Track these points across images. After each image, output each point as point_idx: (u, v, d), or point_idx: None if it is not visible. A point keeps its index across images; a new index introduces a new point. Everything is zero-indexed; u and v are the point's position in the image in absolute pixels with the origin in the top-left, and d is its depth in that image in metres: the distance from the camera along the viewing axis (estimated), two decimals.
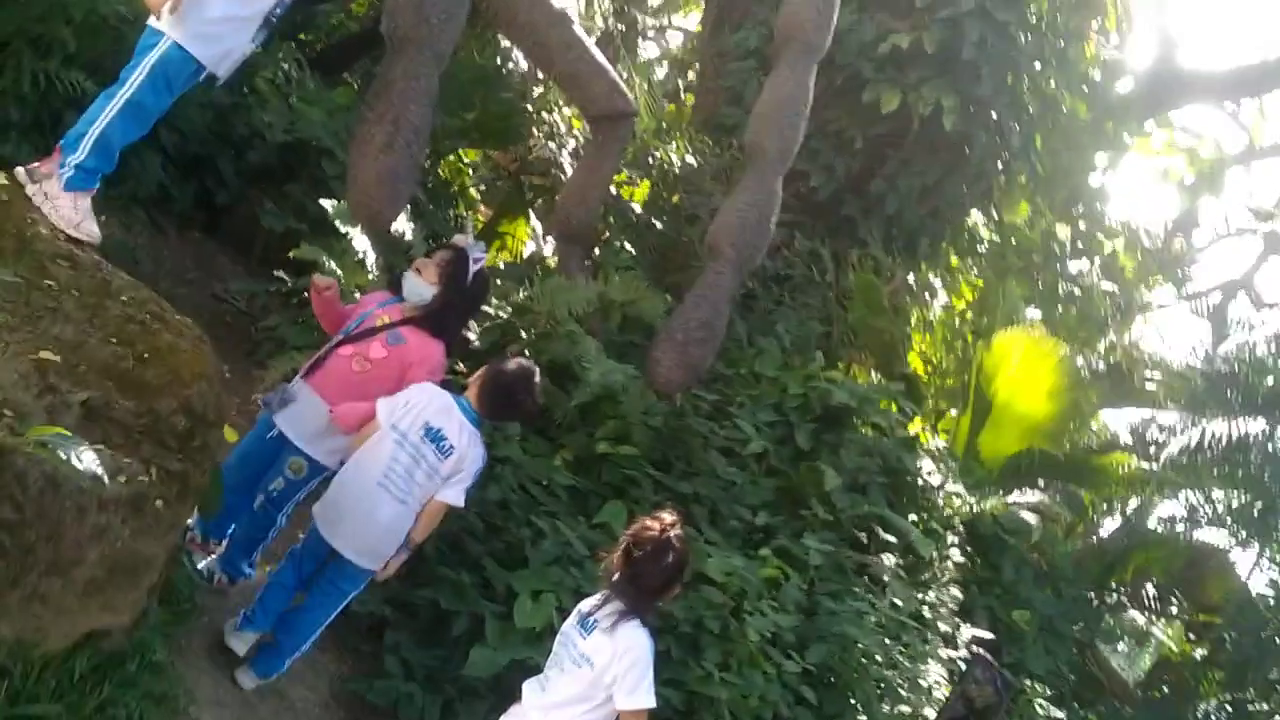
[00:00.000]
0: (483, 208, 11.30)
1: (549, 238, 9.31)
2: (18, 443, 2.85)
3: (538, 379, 4.65)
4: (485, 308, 5.92)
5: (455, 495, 4.45)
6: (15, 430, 2.89)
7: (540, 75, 9.86)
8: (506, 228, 10.86)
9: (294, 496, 4.69)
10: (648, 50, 16.29)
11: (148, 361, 3.60)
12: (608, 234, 8.93)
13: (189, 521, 4.69)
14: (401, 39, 4.85)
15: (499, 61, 10.38)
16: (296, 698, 4.68)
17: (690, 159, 9.53)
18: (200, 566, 4.74)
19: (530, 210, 10.52)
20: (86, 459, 2.92)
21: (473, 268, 4.75)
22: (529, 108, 10.28)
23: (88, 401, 3.30)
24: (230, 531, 4.79)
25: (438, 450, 4.35)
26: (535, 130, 10.51)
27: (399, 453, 4.32)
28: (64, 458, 2.83)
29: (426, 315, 4.68)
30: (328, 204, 5.99)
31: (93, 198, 4.16)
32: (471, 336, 5.94)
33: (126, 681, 3.66)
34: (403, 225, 6.25)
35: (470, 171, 11.17)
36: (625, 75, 11.37)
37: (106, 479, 2.97)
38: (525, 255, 10.26)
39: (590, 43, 7.71)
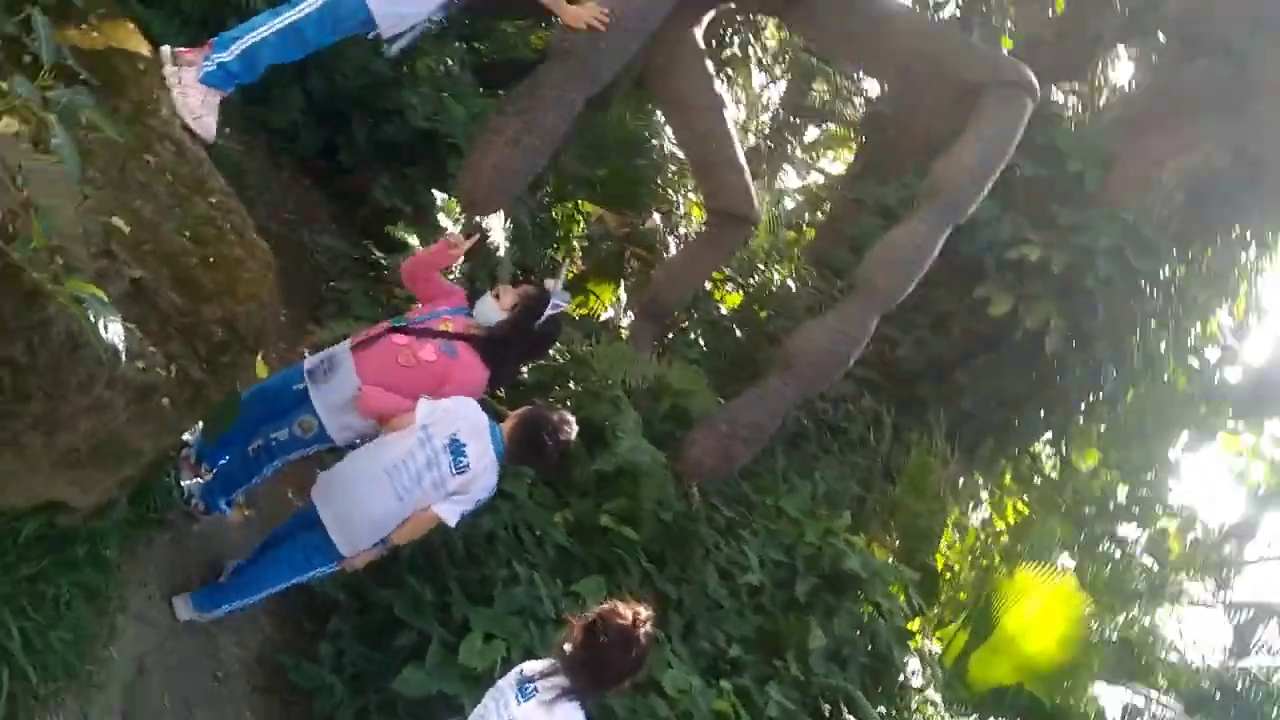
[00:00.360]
0: (580, 261, 11.37)
1: (630, 310, 9.28)
2: (55, 290, 2.80)
3: (573, 436, 4.61)
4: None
5: (450, 512, 4.38)
6: (58, 278, 2.84)
7: (680, 154, 9.93)
8: (595, 287, 10.88)
9: (289, 453, 4.62)
10: (788, 179, 16.53)
11: (211, 266, 3.56)
12: (686, 325, 8.90)
13: (188, 438, 4.66)
14: (565, 51, 4.84)
15: (646, 132, 10.50)
16: (223, 646, 4.59)
17: (791, 284, 9.51)
18: (184, 484, 4.68)
19: (623, 279, 10.56)
20: (113, 330, 2.87)
21: (549, 312, 4.72)
22: (659, 182, 10.36)
23: (139, 281, 3.27)
24: (221, 462, 4.73)
25: (454, 463, 4.30)
26: (655, 206, 10.59)
27: (418, 451, 4.28)
28: (91, 320, 2.79)
29: (487, 339, 4.64)
30: (439, 195, 6.02)
31: (223, 102, 4.18)
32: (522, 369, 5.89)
33: (67, 563, 3.59)
34: (500, 243, 6.25)
35: (581, 222, 11.28)
36: (759, 191, 11.49)
37: (124, 357, 2.92)
38: (602, 318, 10.27)
39: (737, 140, 7.74)
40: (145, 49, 3.99)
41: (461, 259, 5.04)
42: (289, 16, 4.07)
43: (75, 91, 2.90)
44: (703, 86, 7.43)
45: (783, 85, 15.63)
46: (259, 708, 4.58)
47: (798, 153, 15.59)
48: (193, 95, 3.98)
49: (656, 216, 11.10)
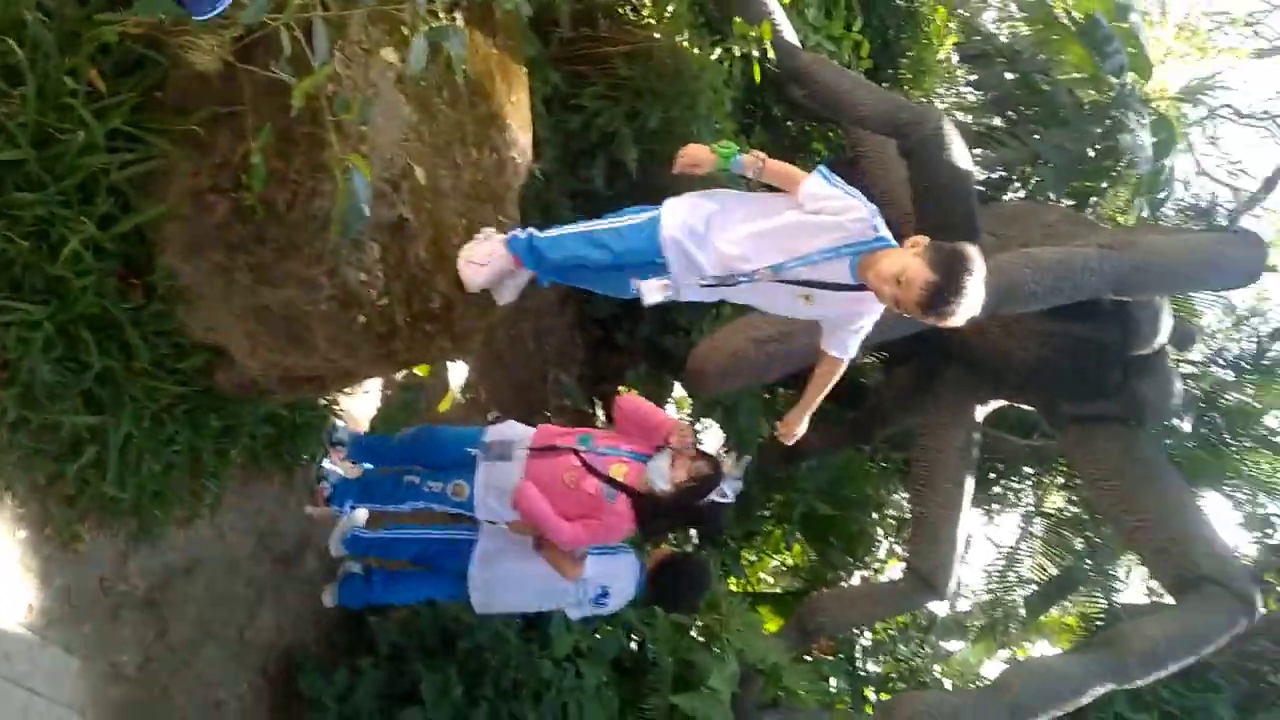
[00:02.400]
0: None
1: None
2: (339, 163, 3.10)
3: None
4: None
5: (576, 615, 4.91)
6: (341, 150, 3.14)
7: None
8: (764, 613, 10.70)
9: (433, 503, 4.73)
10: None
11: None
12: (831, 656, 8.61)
13: (344, 436, 4.87)
14: None
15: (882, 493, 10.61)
16: (264, 617, 4.61)
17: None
18: (325, 465, 4.83)
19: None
20: (357, 213, 3.15)
21: (715, 494, 4.71)
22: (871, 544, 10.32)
23: (405, 221, 3.57)
24: (368, 467, 4.88)
25: (595, 604, 4.82)
26: (859, 563, 10.49)
27: (571, 591, 4.77)
28: (354, 191, 3.08)
29: (646, 502, 4.64)
30: (679, 391, 6.26)
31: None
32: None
33: (196, 424, 3.77)
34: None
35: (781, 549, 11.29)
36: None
37: (353, 242, 3.19)
38: None
39: (962, 526, 7.58)
40: (524, 91, 4.47)
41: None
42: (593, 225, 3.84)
43: (451, 29, 3.29)
44: (957, 461, 7.45)
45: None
46: (258, 688, 4.51)
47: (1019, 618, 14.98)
48: (484, 246, 3.91)
49: (856, 578, 10.96)
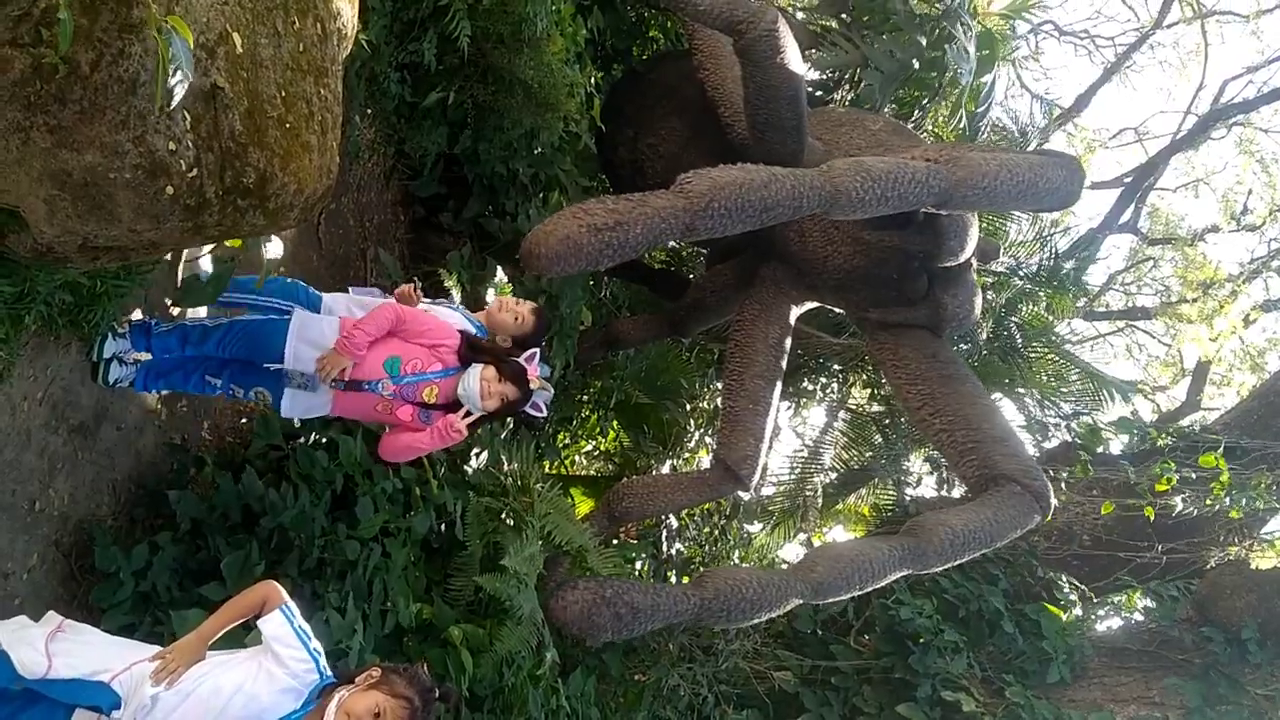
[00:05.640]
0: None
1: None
2: (158, 21, 2.95)
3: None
4: None
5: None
6: (160, 18, 2.98)
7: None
8: (576, 493, 10.91)
9: (234, 400, 4.72)
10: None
11: (283, 129, 3.70)
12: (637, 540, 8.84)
13: (146, 318, 4.69)
14: (683, 189, 4.93)
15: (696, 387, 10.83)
16: (58, 487, 4.45)
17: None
18: (115, 355, 4.60)
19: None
20: (178, 85, 3.00)
21: (530, 408, 4.86)
22: (683, 431, 10.55)
23: (219, 89, 3.42)
24: (166, 355, 4.68)
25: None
26: (670, 452, 10.72)
27: None
28: (167, 56, 2.93)
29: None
30: (500, 276, 6.21)
31: None
32: None
33: None
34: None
35: (597, 433, 11.45)
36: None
37: (164, 115, 3.04)
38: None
39: (769, 420, 7.84)
40: None
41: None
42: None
43: None
44: (771, 356, 7.63)
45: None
46: (48, 559, 4.39)
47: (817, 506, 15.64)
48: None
49: (666, 466, 11.23)
